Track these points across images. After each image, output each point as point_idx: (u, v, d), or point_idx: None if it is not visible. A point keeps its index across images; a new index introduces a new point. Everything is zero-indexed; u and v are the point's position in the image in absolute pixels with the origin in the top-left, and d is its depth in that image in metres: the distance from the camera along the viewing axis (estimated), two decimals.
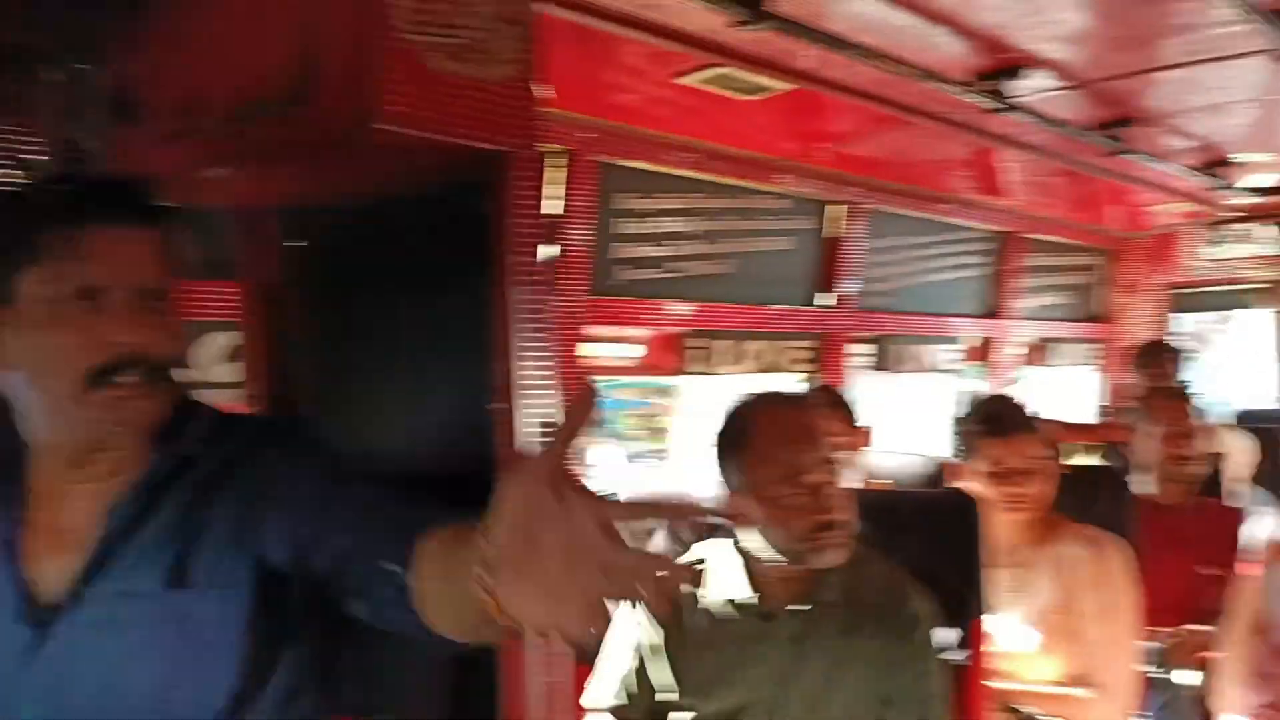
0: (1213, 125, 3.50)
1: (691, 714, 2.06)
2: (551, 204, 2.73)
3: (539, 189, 1.49)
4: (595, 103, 2.68)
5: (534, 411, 1.47)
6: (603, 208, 2.92)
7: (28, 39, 1.69)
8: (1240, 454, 3.84)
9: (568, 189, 2.76)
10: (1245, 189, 4.43)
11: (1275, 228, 5.16)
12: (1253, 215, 5.07)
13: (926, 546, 2.20)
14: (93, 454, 1.36)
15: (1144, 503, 3.05)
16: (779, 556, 2.00)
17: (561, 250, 2.77)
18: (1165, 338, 5.08)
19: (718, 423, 2.10)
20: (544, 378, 1.47)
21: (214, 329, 2.08)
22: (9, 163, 1.66)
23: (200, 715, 1.31)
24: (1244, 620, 2.27)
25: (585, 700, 2.15)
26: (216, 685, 1.31)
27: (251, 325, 1.84)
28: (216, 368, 2.12)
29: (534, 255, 1.48)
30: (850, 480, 2.08)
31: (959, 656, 2.17)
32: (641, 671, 2.12)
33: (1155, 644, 2.85)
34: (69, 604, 1.32)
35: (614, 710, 2.14)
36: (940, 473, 3.41)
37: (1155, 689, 2.85)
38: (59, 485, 1.38)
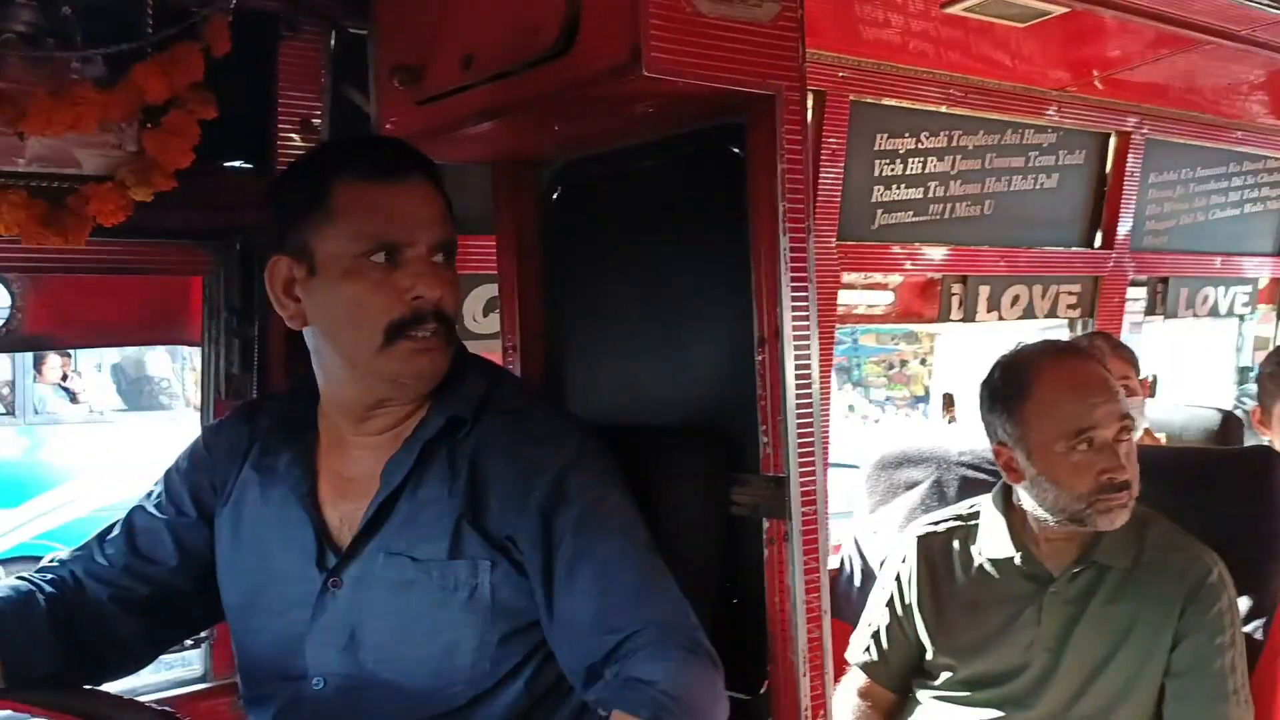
0: None
1: (949, 674, 2.00)
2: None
3: (803, 131, 1.44)
4: (851, 40, 2.57)
5: (799, 361, 1.43)
6: (856, 149, 2.82)
7: (305, 4, 1.78)
8: None
9: (820, 131, 2.67)
10: None
11: None
12: None
13: (1223, 507, 2.03)
14: (374, 411, 1.44)
15: None
16: (1054, 517, 1.89)
17: (814, 194, 2.70)
18: None
19: (989, 372, 1.99)
20: (804, 325, 1.43)
21: (478, 282, 2.15)
22: (297, 125, 1.76)
23: (474, 684, 1.37)
24: None
25: (847, 655, 2.13)
26: (491, 656, 1.37)
27: (509, 277, 1.89)
28: (481, 320, 2.19)
29: (799, 200, 1.43)
30: (1134, 435, 1.93)
31: (1257, 627, 1.99)
32: (894, 629, 2.07)
33: None
34: (356, 556, 1.41)
35: (866, 667, 2.10)
36: (1228, 426, 3.14)
37: None
38: (343, 437, 1.47)
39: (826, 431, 2.66)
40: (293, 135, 1.78)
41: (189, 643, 1.88)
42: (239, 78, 1.69)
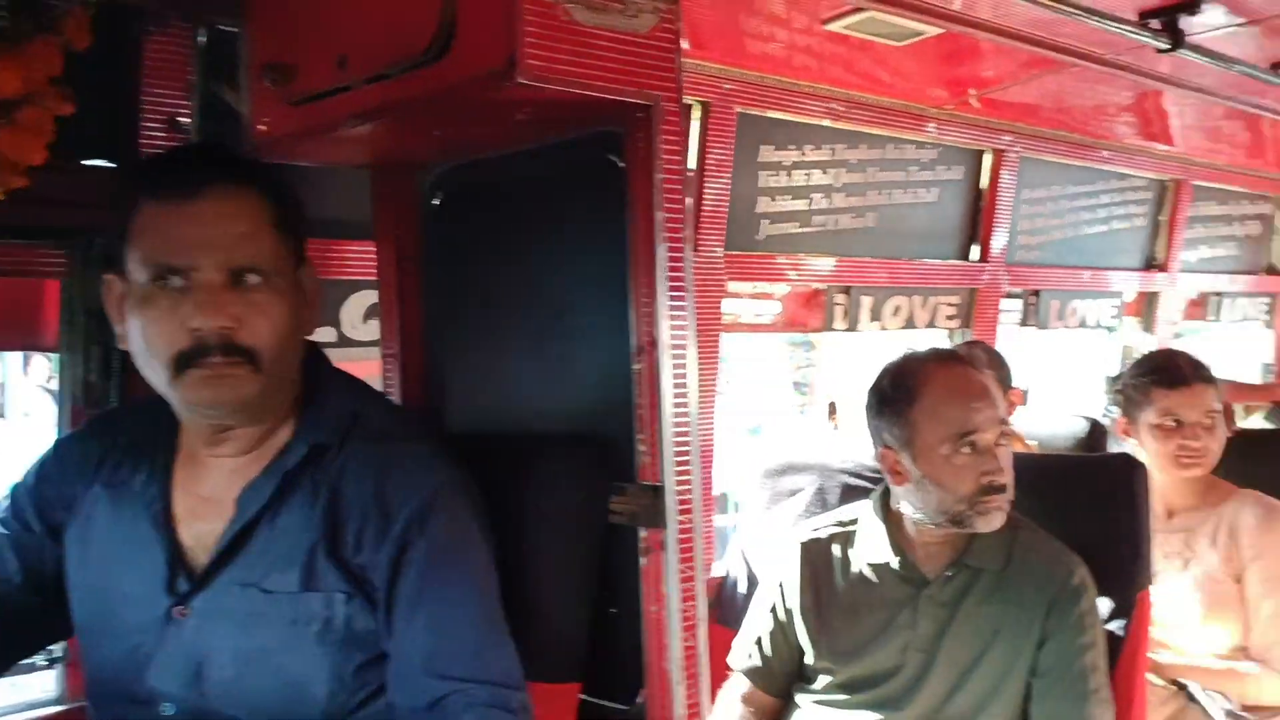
0: None
1: (829, 678, 2.03)
2: (689, 157, 2.67)
3: (682, 141, 1.45)
4: (737, 52, 2.60)
5: (676, 370, 1.44)
6: (742, 160, 2.85)
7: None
8: None
9: (704, 141, 2.69)
10: None
11: None
12: None
13: (1086, 512, 2.10)
14: (219, 434, 1.37)
15: None
16: (933, 519, 1.94)
17: (700, 204, 2.72)
18: None
19: (878, 378, 2.03)
20: (682, 334, 1.44)
21: (357, 287, 2.11)
22: (162, 123, 1.70)
23: (330, 716, 1.33)
24: None
25: (730, 660, 2.14)
26: (348, 686, 1.33)
27: (389, 284, 1.86)
28: (360, 326, 2.15)
29: (676, 209, 1.44)
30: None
31: (1118, 627, 2.06)
32: (778, 634, 2.10)
33: None
34: (207, 585, 1.35)
35: (750, 672, 2.12)
36: (1095, 434, 3.26)
37: None
38: (200, 455, 1.41)
39: (710, 440, 2.70)
40: (158, 133, 1.72)
41: (43, 662, 1.79)
42: (101, 73, 1.62)
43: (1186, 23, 2.52)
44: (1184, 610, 2.46)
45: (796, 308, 3.27)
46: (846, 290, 3.26)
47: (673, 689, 1.40)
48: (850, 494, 2.35)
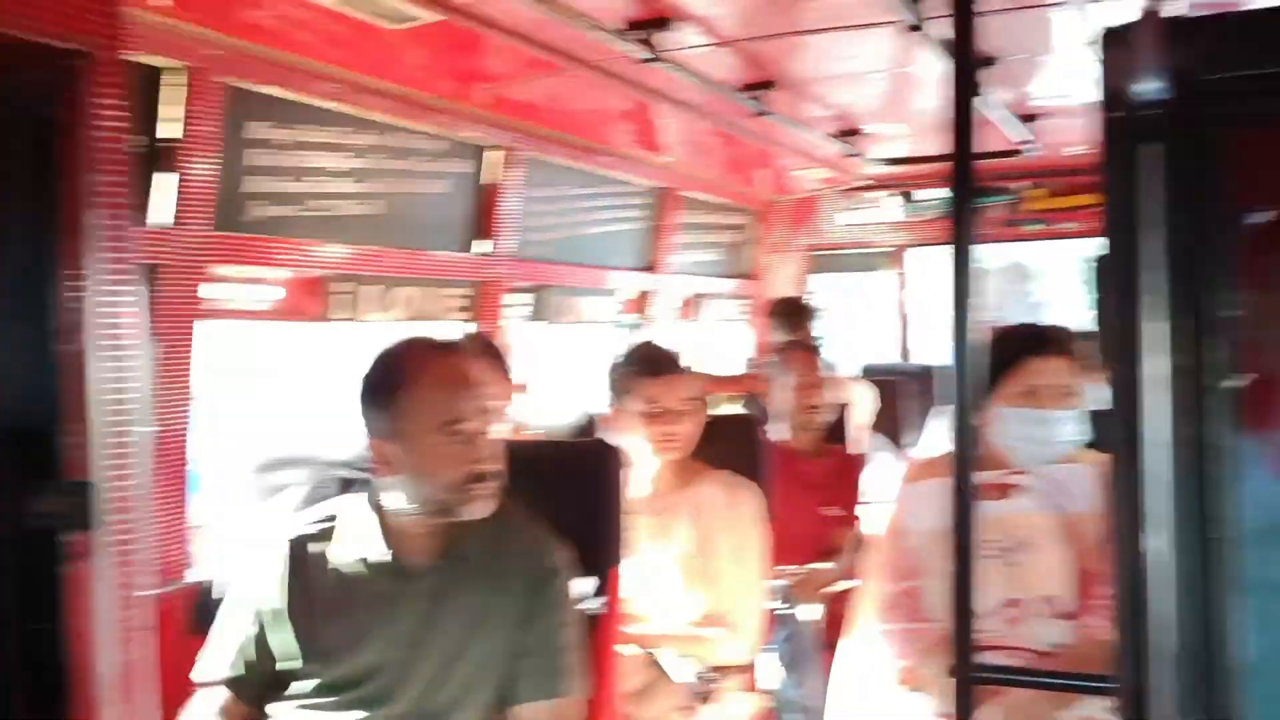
0: (848, 94, 3.70)
1: (315, 681, 1.94)
2: (169, 126, 2.44)
3: (123, 99, 1.30)
4: (224, 18, 2.41)
5: (113, 354, 1.28)
6: (232, 136, 2.65)
7: None
8: (863, 404, 4.15)
9: (188, 111, 2.47)
10: (876, 159, 4.76)
11: (900, 197, 5.62)
12: (881, 184, 5.49)
13: (567, 495, 2.19)
14: None
15: (777, 449, 3.21)
16: (421, 510, 1.92)
17: (183, 179, 2.50)
18: (800, 295, 5.41)
19: (370, 367, 1.97)
20: (123, 315, 1.29)
21: None
22: None
23: None
24: (887, 529, 2.44)
25: (198, 673, 1.98)
26: None
27: None
28: None
29: (118, 176, 1.28)
30: (501, 431, 2.02)
31: (596, 605, 2.17)
32: (261, 639, 1.98)
33: (782, 581, 3.02)
34: None
35: (230, 682, 1.98)
36: (591, 424, 3.44)
37: (780, 623, 3.04)
38: None
39: (180, 433, 2.49)
40: None
41: None
42: None
43: (664, 37, 2.71)
44: (664, 584, 2.66)
45: (301, 295, 3.12)
46: (351, 278, 3.17)
47: (101, 711, 1.25)
48: (347, 488, 2.28)
